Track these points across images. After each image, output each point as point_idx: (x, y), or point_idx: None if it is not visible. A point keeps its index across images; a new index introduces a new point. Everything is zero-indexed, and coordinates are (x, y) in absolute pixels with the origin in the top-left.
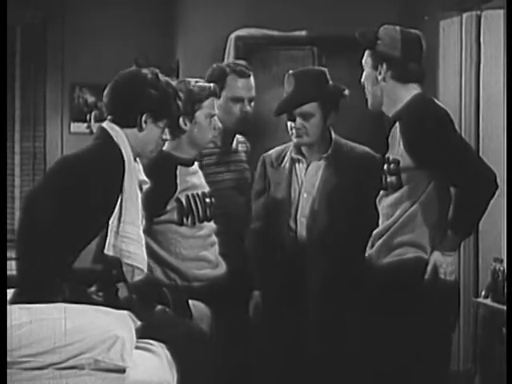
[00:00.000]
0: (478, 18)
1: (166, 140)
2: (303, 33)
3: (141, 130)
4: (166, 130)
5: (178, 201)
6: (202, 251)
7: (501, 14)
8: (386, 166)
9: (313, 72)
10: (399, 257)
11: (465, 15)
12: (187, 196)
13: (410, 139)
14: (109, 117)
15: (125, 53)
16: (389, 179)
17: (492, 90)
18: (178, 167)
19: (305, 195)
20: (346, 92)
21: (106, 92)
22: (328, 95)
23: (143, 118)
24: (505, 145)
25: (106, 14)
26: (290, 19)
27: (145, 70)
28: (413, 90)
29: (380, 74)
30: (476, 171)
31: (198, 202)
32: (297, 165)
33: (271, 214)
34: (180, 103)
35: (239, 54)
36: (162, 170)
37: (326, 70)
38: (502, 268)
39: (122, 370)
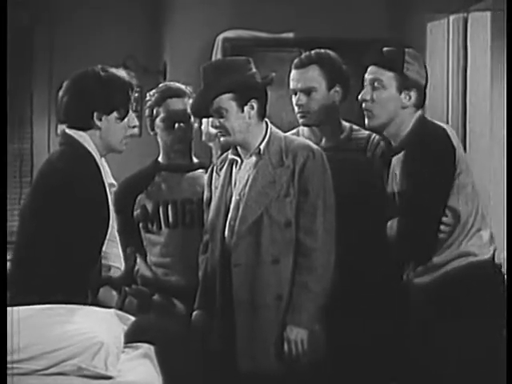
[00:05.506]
0: (465, 19)
1: (135, 126)
2: (291, 35)
3: (98, 128)
4: (133, 118)
5: (144, 207)
6: (166, 258)
7: (488, 16)
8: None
9: (224, 62)
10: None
11: (452, 17)
12: (156, 202)
13: (415, 172)
14: (65, 125)
15: (113, 55)
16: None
17: (479, 90)
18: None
19: (237, 197)
20: (273, 75)
21: (58, 101)
22: (243, 84)
23: (94, 117)
24: (505, 145)
25: (94, 15)
26: (277, 21)
27: (87, 70)
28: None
29: (409, 99)
30: None
31: (166, 209)
32: (233, 166)
33: (211, 222)
34: (131, 92)
35: (226, 56)
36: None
37: (245, 58)
38: None
39: (107, 378)
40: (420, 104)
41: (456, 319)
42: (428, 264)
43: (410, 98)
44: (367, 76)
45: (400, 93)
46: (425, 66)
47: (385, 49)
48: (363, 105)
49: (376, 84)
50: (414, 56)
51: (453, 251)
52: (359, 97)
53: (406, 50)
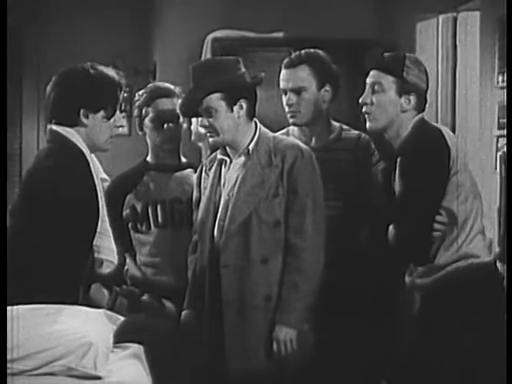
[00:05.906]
0: (455, 19)
1: (121, 126)
2: (280, 34)
3: (84, 126)
4: (120, 117)
5: (133, 207)
6: (156, 258)
7: (477, 15)
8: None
9: (213, 62)
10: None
11: (441, 17)
12: (145, 202)
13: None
14: (53, 121)
15: (102, 55)
16: None
17: (468, 90)
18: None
19: (226, 197)
20: (262, 75)
21: (46, 96)
22: (232, 84)
23: (81, 114)
24: (504, 145)
25: (84, 16)
26: (266, 21)
27: (77, 66)
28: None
29: (408, 103)
30: None
31: (155, 209)
32: (222, 166)
33: (200, 222)
34: (119, 92)
35: (216, 56)
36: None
37: (235, 58)
38: None
39: (96, 378)
40: (420, 108)
41: (456, 320)
42: (429, 266)
43: (410, 101)
44: (368, 80)
45: (400, 96)
46: (425, 71)
47: (385, 54)
48: (363, 108)
49: (376, 87)
50: (414, 61)
51: (454, 253)
52: (360, 100)
53: (407, 54)
